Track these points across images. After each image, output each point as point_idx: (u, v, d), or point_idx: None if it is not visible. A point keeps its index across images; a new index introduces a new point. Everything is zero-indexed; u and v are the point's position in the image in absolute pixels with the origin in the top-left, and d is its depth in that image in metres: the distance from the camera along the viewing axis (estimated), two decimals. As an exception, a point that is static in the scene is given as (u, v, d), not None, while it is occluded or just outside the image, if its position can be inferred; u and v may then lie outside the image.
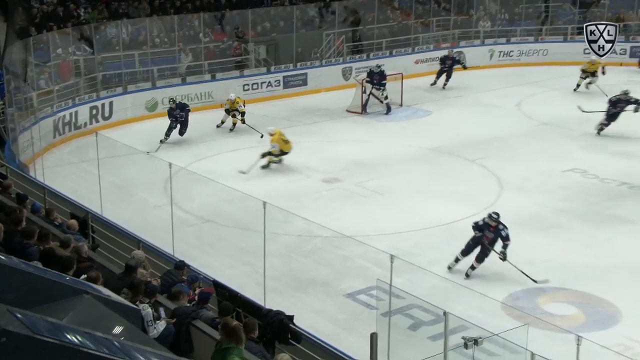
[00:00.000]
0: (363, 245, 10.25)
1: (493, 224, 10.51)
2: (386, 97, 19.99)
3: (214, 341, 6.40)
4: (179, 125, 17.24)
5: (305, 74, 22.46)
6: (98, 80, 19.10)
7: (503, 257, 10.48)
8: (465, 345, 6.57)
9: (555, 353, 6.53)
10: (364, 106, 20.05)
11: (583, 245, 11.73)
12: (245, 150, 16.14)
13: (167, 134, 17.13)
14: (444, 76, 22.32)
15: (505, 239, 10.54)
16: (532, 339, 7.02)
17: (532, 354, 6.06)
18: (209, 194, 13.74)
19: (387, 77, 20.03)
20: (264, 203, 8.98)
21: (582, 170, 15.18)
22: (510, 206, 13.37)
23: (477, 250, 10.69)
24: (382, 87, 19.93)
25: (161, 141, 16.86)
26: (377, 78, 19.87)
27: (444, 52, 23.26)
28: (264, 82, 21.75)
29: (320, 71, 22.75)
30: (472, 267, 10.66)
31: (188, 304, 7.36)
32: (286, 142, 15.36)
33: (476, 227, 10.65)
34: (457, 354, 6.75)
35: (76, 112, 17.91)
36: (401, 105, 20.56)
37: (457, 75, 22.48)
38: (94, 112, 18.54)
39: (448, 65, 22.22)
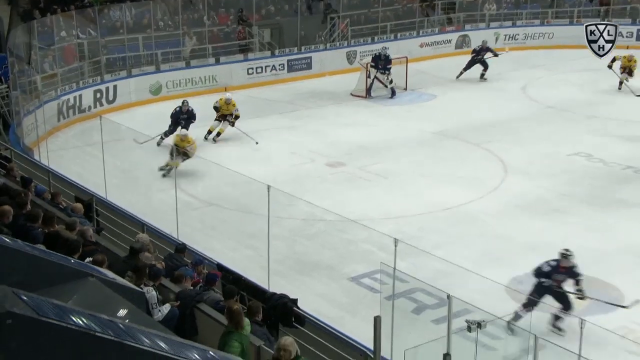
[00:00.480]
0: (367, 229, 10.26)
1: (567, 264, 8.73)
2: (391, 81, 19.93)
3: (219, 324, 6.44)
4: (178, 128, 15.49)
5: (310, 57, 22.39)
6: (102, 64, 19.07)
7: (582, 295, 8.81)
8: (469, 329, 6.59)
9: (559, 336, 6.55)
10: (369, 90, 19.99)
11: (587, 229, 11.73)
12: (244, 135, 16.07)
13: (166, 134, 15.52)
14: (478, 67, 21.26)
15: (579, 275, 8.82)
16: (535, 323, 7.05)
17: (536, 337, 6.07)
18: (212, 178, 13.77)
19: (392, 61, 19.96)
20: (268, 187, 8.99)
21: (587, 154, 15.15)
22: (515, 190, 13.40)
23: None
24: (387, 71, 19.86)
25: (158, 144, 15.28)
26: (382, 62, 19.81)
27: (478, 44, 22.06)
28: (268, 65, 21.69)
29: (325, 55, 22.68)
30: (557, 318, 8.78)
31: (192, 287, 7.39)
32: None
33: (540, 273, 8.81)
34: (461, 337, 6.78)
35: (80, 96, 17.90)
36: (406, 89, 20.51)
37: (463, 58, 22.34)
38: (98, 95, 18.54)
39: (482, 56, 21.24)
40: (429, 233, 11.51)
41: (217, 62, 21.02)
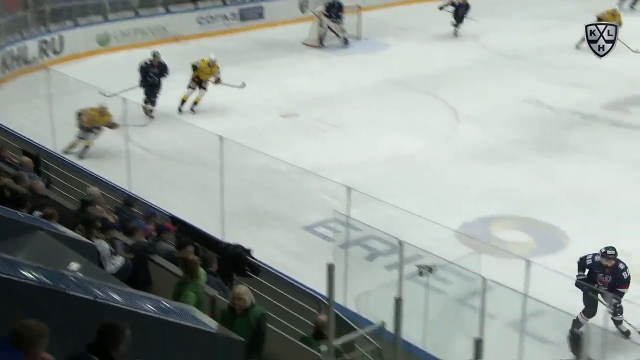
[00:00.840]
0: (321, 179, 10.31)
1: (610, 264, 7.81)
2: (344, 30, 19.81)
3: (172, 275, 6.46)
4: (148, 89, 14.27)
5: (262, 6, 22.01)
6: (46, 13, 18.46)
7: (614, 311, 7.74)
8: (420, 273, 6.75)
9: (507, 278, 6.73)
10: (322, 39, 19.84)
11: (535, 175, 12.03)
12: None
13: (150, 98, 14.16)
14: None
15: (625, 282, 7.81)
16: (484, 265, 7.23)
17: (484, 279, 6.24)
18: (166, 131, 13.61)
19: (345, 10, 19.80)
20: (221, 138, 8.94)
21: (537, 101, 15.38)
22: (467, 138, 13.61)
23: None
24: (339, 19, 19.72)
25: (150, 115, 14.08)
26: (335, 10, 19.65)
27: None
28: (220, 15, 21.27)
29: (277, 4, 22.31)
30: (617, 322, 7.94)
31: (145, 239, 7.38)
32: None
33: (582, 265, 8.03)
34: (413, 282, 6.93)
35: (25, 47, 17.35)
36: (359, 38, 20.39)
37: (417, 6, 22.30)
38: (44, 46, 17.99)
39: (461, 13, 20.45)
40: (383, 182, 11.63)
41: (167, 11, 20.50)
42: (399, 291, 6.28)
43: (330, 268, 6.46)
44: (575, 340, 7.78)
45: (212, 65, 14.61)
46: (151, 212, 8.51)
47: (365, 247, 9.53)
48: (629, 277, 7.82)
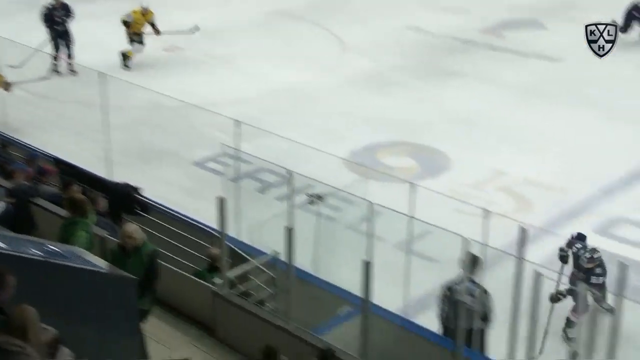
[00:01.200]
0: (210, 114, 10.19)
1: (590, 265, 7.24)
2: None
3: (57, 217, 6.30)
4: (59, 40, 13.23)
5: None
6: None
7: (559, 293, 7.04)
8: (311, 202, 6.91)
9: (393, 201, 6.98)
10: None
11: (418, 101, 12.40)
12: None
13: (64, 50, 13.24)
14: None
15: (590, 284, 7.07)
16: (372, 191, 7.48)
17: (371, 204, 6.46)
18: (43, 70, 12.96)
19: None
20: (100, 74, 8.63)
21: (418, 27, 15.69)
22: (352, 67, 13.78)
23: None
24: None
25: (72, 70, 13.21)
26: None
27: None
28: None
29: None
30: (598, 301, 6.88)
31: (26, 182, 7.12)
32: None
33: (569, 244, 7.50)
34: (304, 211, 7.09)
35: None
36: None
37: None
38: None
39: None
40: (272, 114, 11.66)
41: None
42: (290, 221, 6.42)
43: (222, 201, 6.53)
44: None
45: (145, 12, 13.55)
46: (33, 154, 8.20)
47: (256, 180, 9.61)
48: (597, 285, 7.15)
